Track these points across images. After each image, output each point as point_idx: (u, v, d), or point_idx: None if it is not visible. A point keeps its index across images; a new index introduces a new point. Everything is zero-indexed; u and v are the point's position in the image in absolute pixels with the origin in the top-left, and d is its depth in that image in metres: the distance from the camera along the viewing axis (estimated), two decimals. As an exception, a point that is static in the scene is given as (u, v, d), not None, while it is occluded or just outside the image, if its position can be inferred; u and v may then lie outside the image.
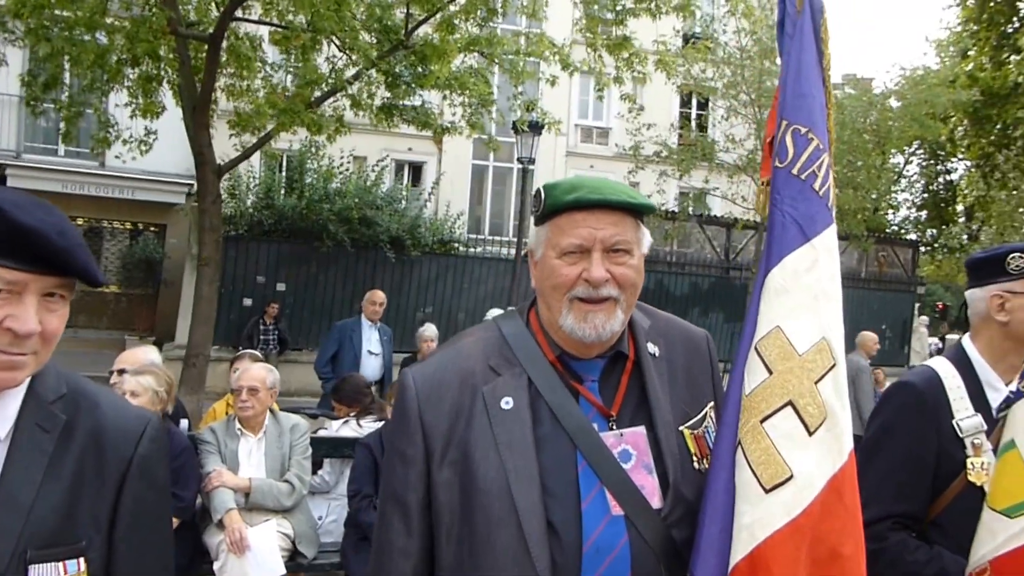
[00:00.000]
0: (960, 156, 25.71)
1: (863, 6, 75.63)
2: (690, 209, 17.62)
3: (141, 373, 4.16)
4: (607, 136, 22.33)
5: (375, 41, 9.90)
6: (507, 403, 1.47)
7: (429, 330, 8.44)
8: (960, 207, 26.74)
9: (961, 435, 2.04)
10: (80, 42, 9.20)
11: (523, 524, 1.39)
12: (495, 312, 6.43)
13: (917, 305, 21.25)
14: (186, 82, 9.57)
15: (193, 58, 9.76)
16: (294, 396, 11.53)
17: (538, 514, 1.40)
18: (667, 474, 1.47)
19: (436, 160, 20.22)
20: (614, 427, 1.49)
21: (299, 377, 12.25)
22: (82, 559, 1.27)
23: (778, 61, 1.87)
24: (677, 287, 17.35)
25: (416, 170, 20.74)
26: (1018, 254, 2.09)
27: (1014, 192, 20.89)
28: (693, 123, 21.19)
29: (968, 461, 2.01)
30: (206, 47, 9.35)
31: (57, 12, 9.15)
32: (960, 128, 23.54)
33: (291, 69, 11.01)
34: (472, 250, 16.05)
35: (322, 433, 5.56)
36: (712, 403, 1.61)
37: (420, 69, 10.04)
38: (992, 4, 22.09)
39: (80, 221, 17.28)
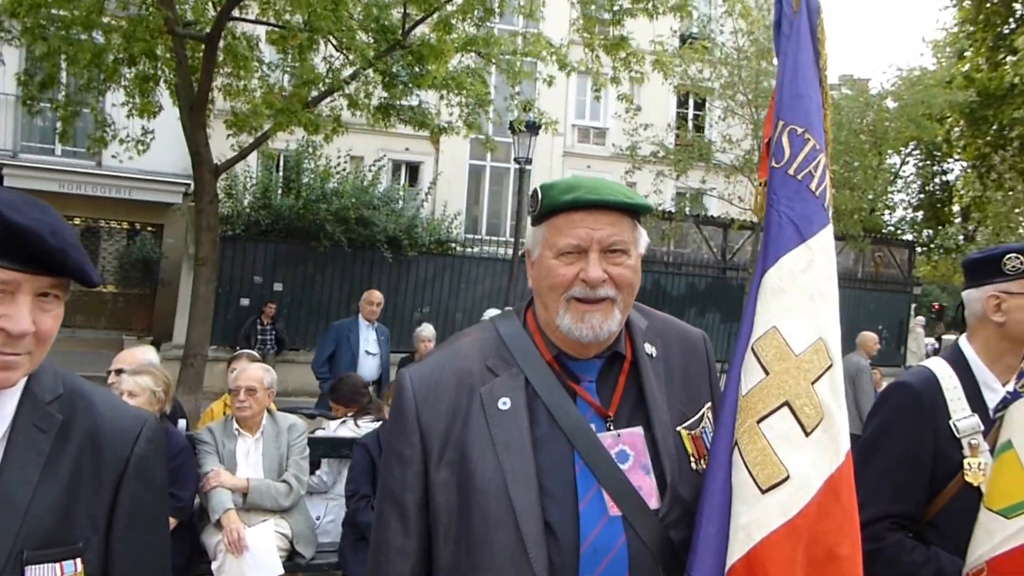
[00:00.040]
0: (956, 157, 25.72)
1: (860, 7, 75.77)
2: (687, 209, 17.61)
3: (139, 373, 4.15)
4: (604, 136, 22.32)
5: (372, 41, 9.88)
6: (504, 403, 1.47)
7: (426, 330, 8.43)
8: (956, 208, 26.80)
9: (958, 435, 2.04)
10: (77, 41, 9.18)
11: (520, 524, 1.39)
12: (492, 312, 6.44)
13: (913, 305, 21.25)
14: (183, 82, 9.56)
15: (190, 57, 9.74)
16: (291, 396, 11.49)
17: (535, 514, 1.39)
18: (664, 475, 1.47)
19: (433, 160, 20.20)
20: (611, 427, 1.49)
21: (296, 377, 12.24)
22: (79, 560, 1.26)
23: (775, 61, 1.86)
24: (674, 287, 17.34)
25: (413, 170, 20.73)
26: (1014, 254, 2.09)
27: (1010, 193, 20.96)
28: (690, 123, 21.23)
29: (965, 462, 2.01)
30: (203, 46, 9.32)
31: (53, 11, 9.14)
32: (956, 129, 23.55)
33: (288, 69, 10.97)
34: (469, 250, 16.03)
35: (320, 433, 5.56)
36: (709, 403, 1.61)
37: (417, 69, 10.02)
38: (988, 5, 22.11)
39: (77, 221, 17.27)
